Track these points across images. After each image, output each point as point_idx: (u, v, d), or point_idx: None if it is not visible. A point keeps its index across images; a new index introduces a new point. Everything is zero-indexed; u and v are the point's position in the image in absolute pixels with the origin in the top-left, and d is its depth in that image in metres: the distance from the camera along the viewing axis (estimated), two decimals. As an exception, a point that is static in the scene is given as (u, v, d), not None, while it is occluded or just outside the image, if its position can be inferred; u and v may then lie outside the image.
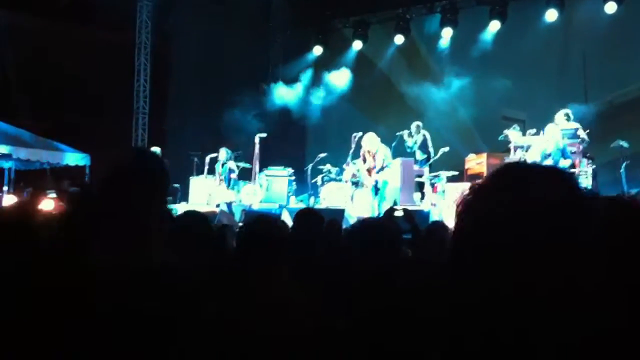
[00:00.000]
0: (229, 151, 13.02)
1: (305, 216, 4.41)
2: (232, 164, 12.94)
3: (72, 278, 1.75)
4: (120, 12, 15.99)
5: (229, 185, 12.92)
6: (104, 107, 15.62)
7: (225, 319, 1.96)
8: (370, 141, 12.06)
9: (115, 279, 1.77)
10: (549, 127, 11.24)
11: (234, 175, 12.95)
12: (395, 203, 11.10)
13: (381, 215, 9.87)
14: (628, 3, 13.86)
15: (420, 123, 13.65)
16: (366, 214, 11.40)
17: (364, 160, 12.23)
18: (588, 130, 11.82)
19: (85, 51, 15.00)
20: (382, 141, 12.60)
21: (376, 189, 12.06)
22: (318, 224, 4.30)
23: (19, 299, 1.72)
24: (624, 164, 11.61)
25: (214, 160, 13.51)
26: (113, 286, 1.75)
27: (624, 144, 11.69)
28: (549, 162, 10.77)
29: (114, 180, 2.08)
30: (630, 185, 11.57)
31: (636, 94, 13.76)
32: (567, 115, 11.80)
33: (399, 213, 5.37)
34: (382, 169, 12.00)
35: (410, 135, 13.50)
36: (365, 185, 12.21)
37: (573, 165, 11.00)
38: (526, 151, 11.85)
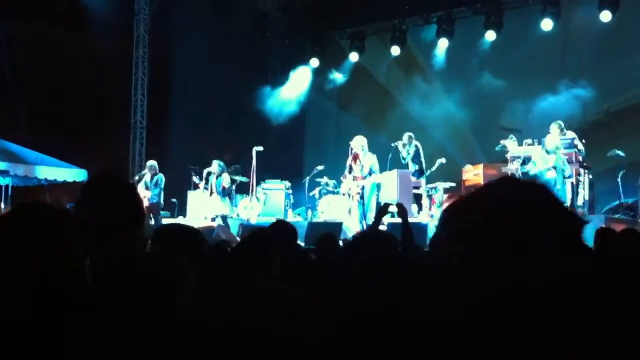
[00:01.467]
0: (222, 163, 12.97)
1: (279, 224, 4.84)
2: (225, 176, 12.85)
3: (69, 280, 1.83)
4: (118, 26, 16.04)
5: (223, 198, 12.86)
6: (103, 121, 15.65)
7: (221, 320, 1.98)
8: (358, 141, 11.89)
9: (110, 280, 1.87)
10: (549, 138, 11.24)
11: (225, 184, 12.83)
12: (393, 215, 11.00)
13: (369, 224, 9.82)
14: (623, 11, 13.89)
15: (412, 134, 13.58)
16: (355, 227, 11.29)
17: (350, 170, 12.01)
18: (584, 141, 11.82)
19: (84, 65, 15.03)
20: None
21: (362, 199, 11.82)
22: (292, 233, 4.60)
23: (21, 300, 1.77)
24: (620, 173, 11.61)
25: (210, 174, 13.48)
26: (108, 286, 1.84)
27: (620, 153, 11.70)
28: (551, 173, 10.75)
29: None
30: (627, 194, 11.57)
31: (632, 102, 13.77)
32: (560, 126, 11.77)
33: (392, 209, 5.41)
34: (369, 173, 11.80)
35: (404, 145, 13.45)
36: (352, 196, 11.95)
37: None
38: (523, 162, 11.82)
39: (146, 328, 1.76)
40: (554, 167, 10.75)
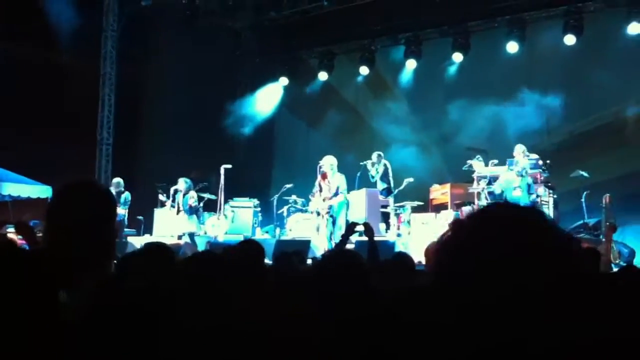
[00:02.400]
0: (188, 181, 12.86)
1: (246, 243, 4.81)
2: (192, 194, 12.74)
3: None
4: (87, 42, 15.89)
5: (190, 215, 12.74)
6: (69, 138, 15.42)
7: (215, 322, 2.00)
8: (327, 161, 11.87)
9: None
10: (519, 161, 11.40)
11: (192, 202, 12.69)
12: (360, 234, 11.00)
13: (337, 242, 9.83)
14: (586, 35, 14.22)
15: (381, 153, 13.69)
16: (323, 245, 11.29)
17: (320, 190, 11.97)
18: (548, 161, 12.00)
19: (51, 80, 14.83)
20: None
21: (332, 218, 11.79)
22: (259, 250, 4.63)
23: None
24: (584, 194, 11.80)
25: (177, 192, 13.36)
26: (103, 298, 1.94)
27: (584, 173, 11.90)
28: (517, 192, 10.93)
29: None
30: (590, 214, 11.75)
31: (597, 124, 14.02)
32: (523, 150, 11.92)
33: (360, 228, 5.45)
34: (335, 194, 11.77)
35: (372, 164, 13.53)
36: (321, 215, 11.91)
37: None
38: (489, 182, 11.97)
39: (142, 336, 1.78)
40: (519, 187, 10.95)
